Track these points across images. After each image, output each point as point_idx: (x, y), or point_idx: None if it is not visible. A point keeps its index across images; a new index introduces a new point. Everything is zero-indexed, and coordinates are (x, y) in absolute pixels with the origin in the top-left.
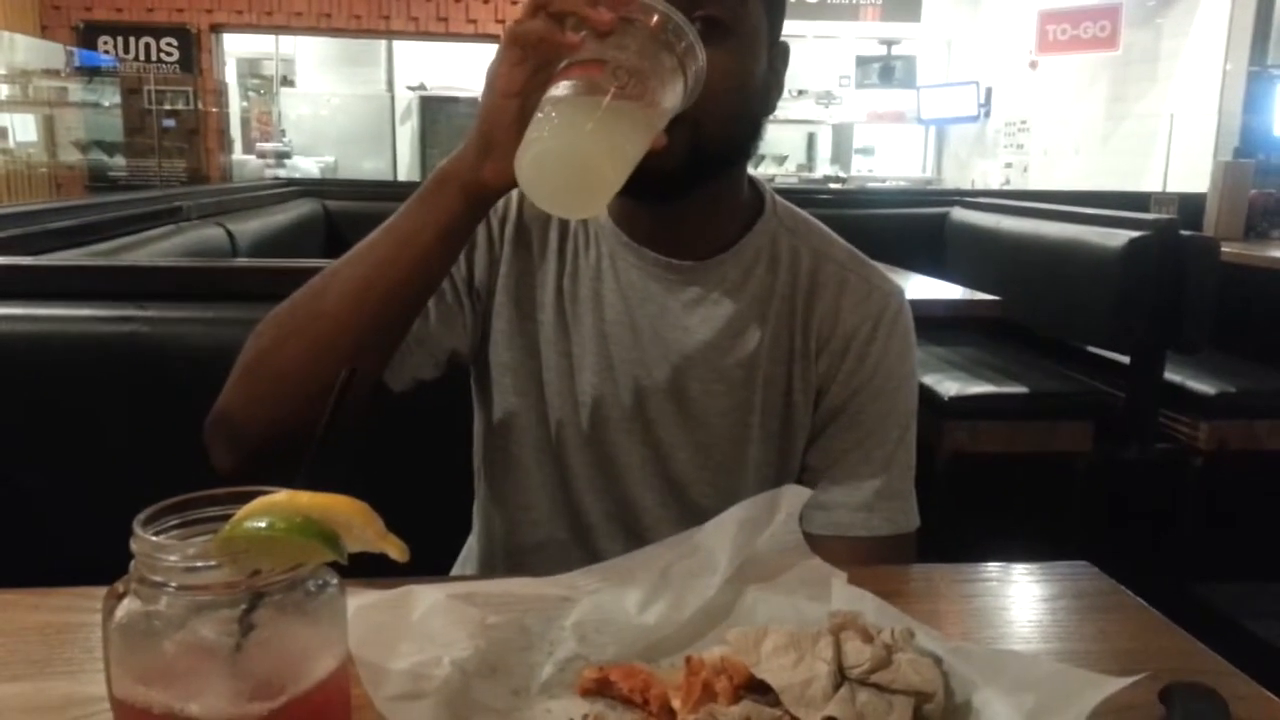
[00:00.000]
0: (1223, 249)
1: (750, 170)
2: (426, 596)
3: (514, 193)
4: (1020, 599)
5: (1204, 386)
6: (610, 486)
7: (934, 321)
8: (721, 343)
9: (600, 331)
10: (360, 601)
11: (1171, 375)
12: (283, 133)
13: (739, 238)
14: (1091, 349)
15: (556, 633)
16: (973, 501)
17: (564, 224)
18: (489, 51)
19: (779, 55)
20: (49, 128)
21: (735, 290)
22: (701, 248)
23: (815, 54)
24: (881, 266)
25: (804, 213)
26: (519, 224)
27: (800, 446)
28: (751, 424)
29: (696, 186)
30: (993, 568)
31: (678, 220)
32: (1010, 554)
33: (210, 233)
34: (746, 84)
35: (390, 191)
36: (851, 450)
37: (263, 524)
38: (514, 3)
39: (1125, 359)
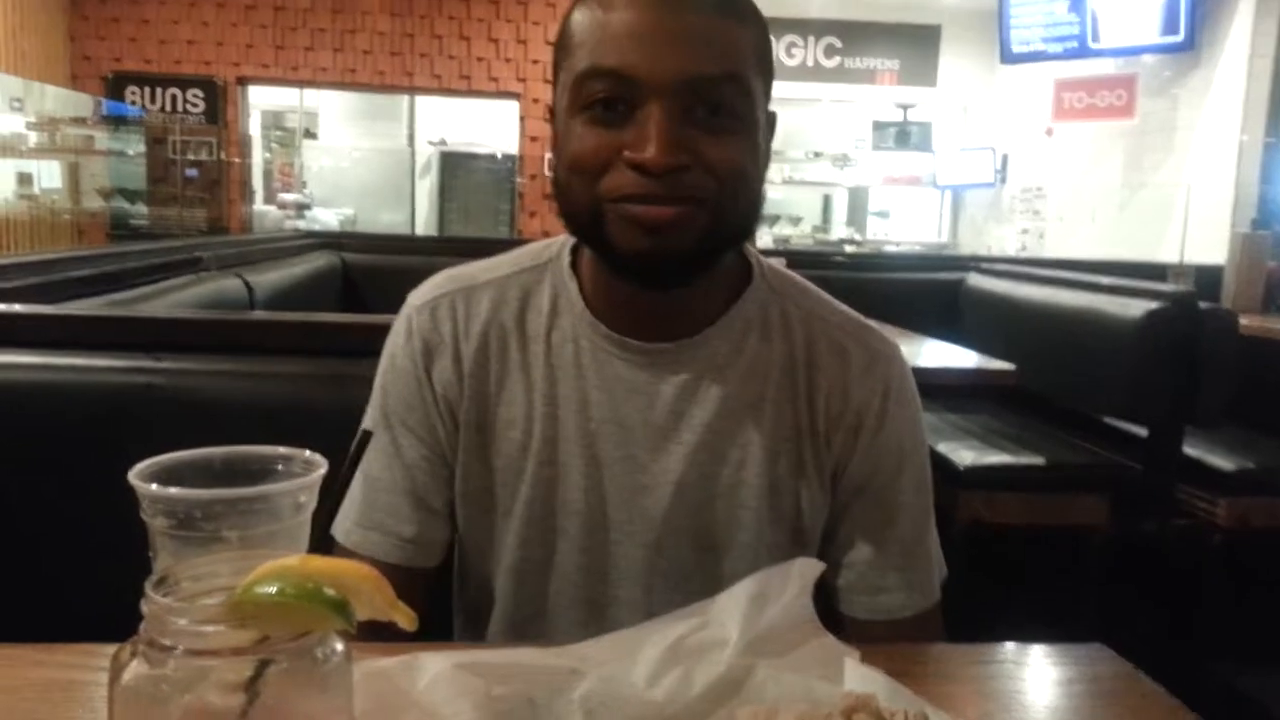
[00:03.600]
0: (1241, 321)
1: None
2: (432, 665)
3: (477, 312)
4: (1036, 682)
5: (1223, 461)
6: (601, 591)
7: (949, 389)
8: (719, 425)
9: (586, 432)
10: (366, 669)
11: (1190, 449)
12: (304, 184)
13: (726, 308)
14: (1108, 420)
15: (563, 706)
16: (988, 573)
17: (533, 331)
18: (510, 109)
19: (770, 126)
20: (74, 175)
21: (727, 366)
22: (690, 326)
23: (832, 117)
24: (878, 324)
25: (792, 274)
26: (480, 341)
27: (814, 525)
28: (761, 506)
29: (707, 270)
30: (1008, 648)
31: (665, 303)
32: (1026, 628)
33: (229, 284)
34: (756, 166)
35: (407, 245)
36: (884, 527)
37: (273, 590)
38: (535, 62)
39: (1143, 431)
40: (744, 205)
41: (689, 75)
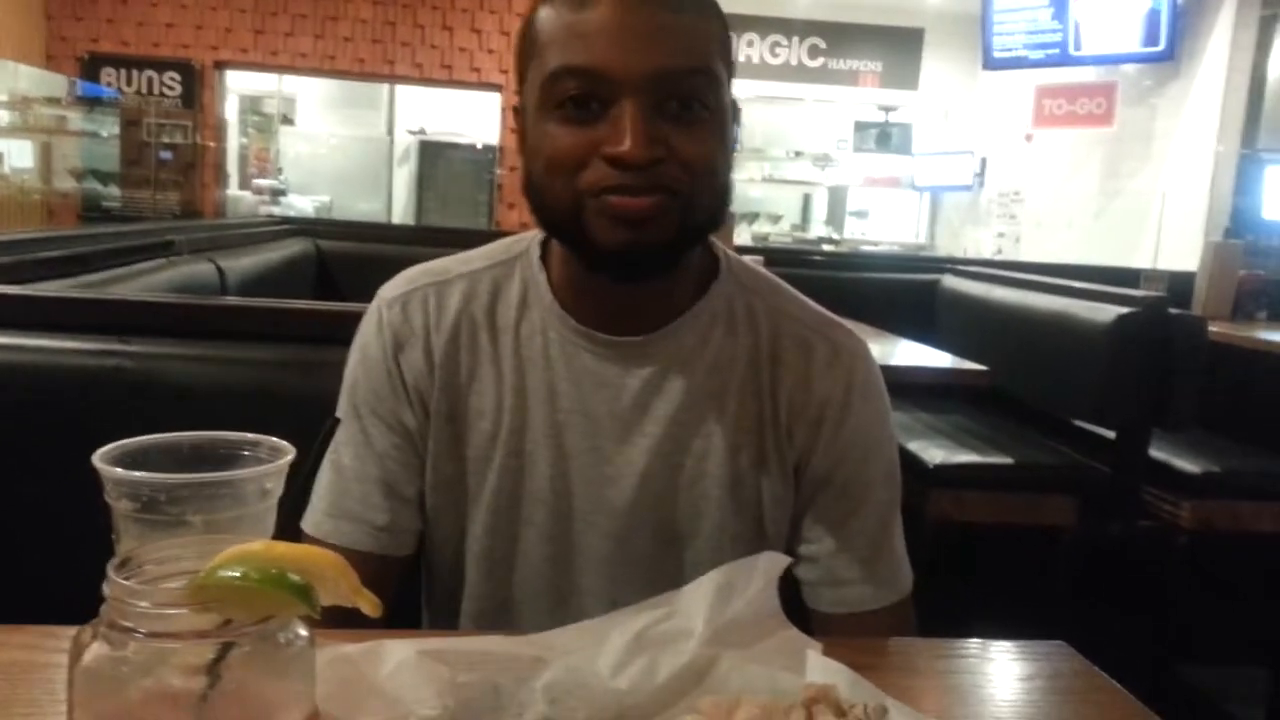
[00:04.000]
0: (1210, 328)
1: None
2: (397, 652)
3: (448, 305)
4: (997, 678)
5: (1189, 465)
6: (567, 580)
7: (921, 388)
8: (684, 417)
9: (554, 423)
10: (329, 654)
11: (1157, 453)
12: (280, 170)
13: (693, 302)
14: (1078, 423)
15: (527, 694)
16: (955, 570)
17: (503, 323)
18: (492, 100)
19: (735, 115)
20: (46, 155)
21: (692, 359)
22: (657, 320)
23: (814, 117)
24: (854, 323)
25: (760, 269)
26: (452, 333)
27: (778, 517)
28: (723, 498)
29: (679, 261)
30: (970, 644)
31: (634, 296)
32: (991, 625)
33: (201, 268)
34: (725, 156)
35: (384, 234)
36: (846, 520)
37: (237, 574)
38: None
39: (1111, 434)
40: (714, 196)
41: (660, 70)
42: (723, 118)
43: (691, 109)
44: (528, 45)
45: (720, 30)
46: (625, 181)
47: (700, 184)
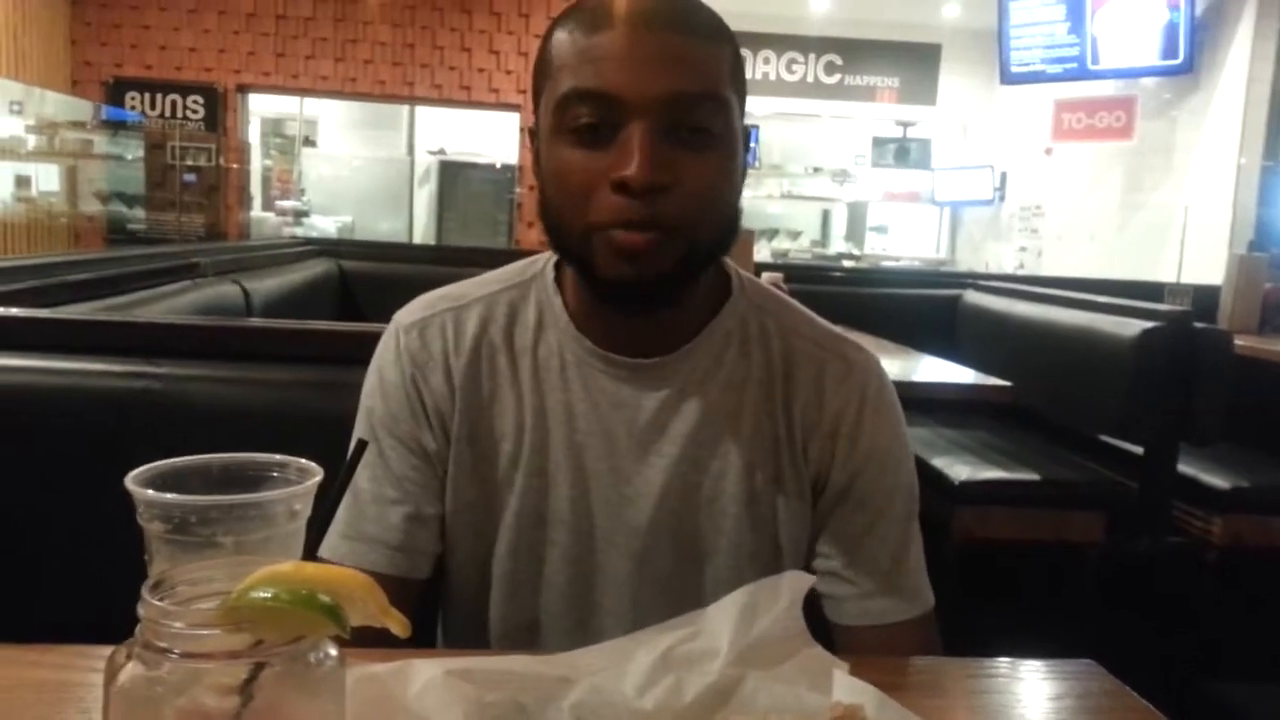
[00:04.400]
0: (1237, 342)
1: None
2: (425, 671)
3: (466, 329)
4: (1025, 697)
5: (1218, 480)
6: (588, 601)
7: (945, 404)
8: (700, 436)
9: (573, 443)
10: (359, 674)
11: (1185, 468)
12: (302, 191)
13: (707, 322)
14: (1104, 438)
15: (554, 713)
16: (982, 588)
17: (520, 345)
18: (510, 120)
19: (746, 140)
20: (72, 179)
21: (707, 379)
22: (671, 340)
23: (832, 133)
24: (875, 340)
25: (771, 288)
26: (472, 356)
27: (796, 535)
28: (740, 515)
29: (686, 289)
30: (998, 663)
31: (645, 320)
32: (1019, 643)
33: (226, 290)
34: (733, 184)
35: (405, 254)
36: (864, 534)
37: (268, 595)
38: None
39: (1138, 450)
40: (718, 226)
41: (671, 94)
42: (732, 143)
43: (701, 135)
44: (542, 67)
45: (732, 56)
46: (629, 215)
47: (704, 216)
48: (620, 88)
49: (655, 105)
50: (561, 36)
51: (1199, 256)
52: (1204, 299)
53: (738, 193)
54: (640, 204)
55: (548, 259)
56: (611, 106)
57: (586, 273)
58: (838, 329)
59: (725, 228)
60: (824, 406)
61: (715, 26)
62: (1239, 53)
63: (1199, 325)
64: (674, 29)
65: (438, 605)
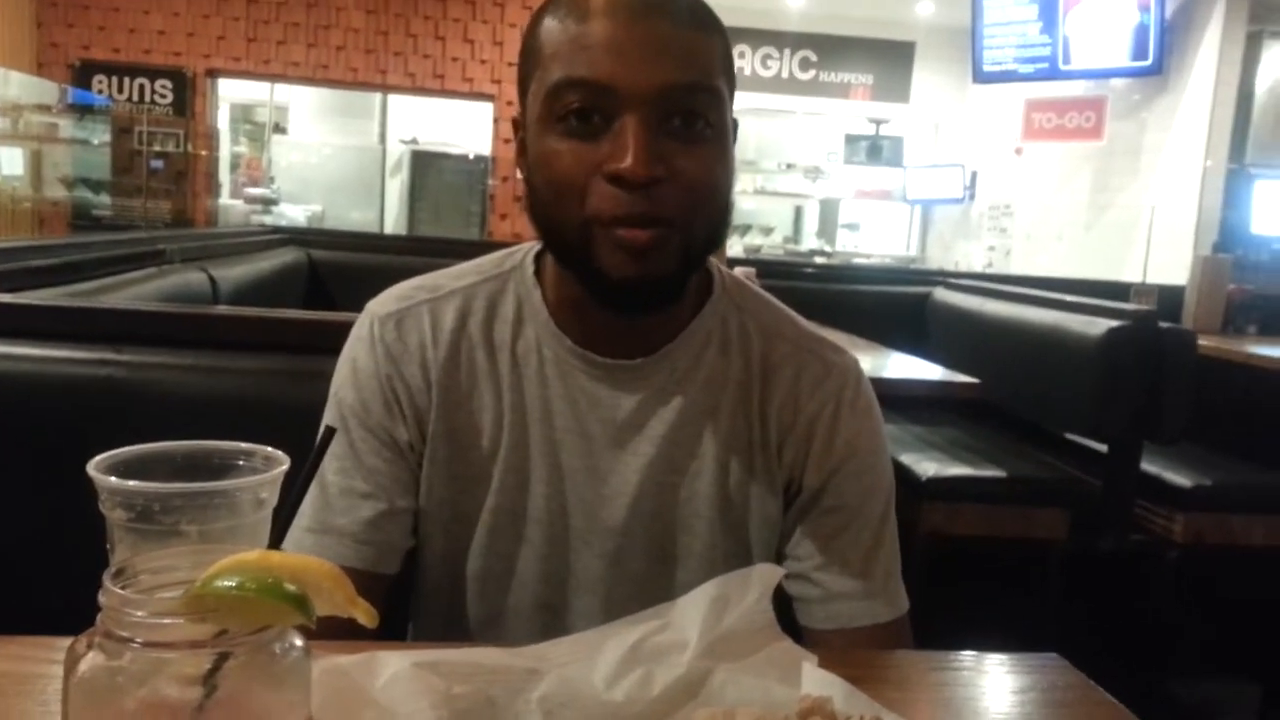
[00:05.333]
0: (1200, 342)
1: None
2: (392, 663)
3: (444, 322)
4: (990, 690)
5: (1180, 479)
6: (560, 599)
7: (913, 401)
8: (676, 437)
9: (550, 441)
10: (324, 665)
11: (1148, 466)
12: (272, 179)
13: (688, 322)
14: (1069, 436)
15: (522, 706)
16: (948, 583)
17: (499, 340)
18: (484, 110)
19: (734, 132)
20: (36, 163)
21: (686, 379)
22: (652, 340)
23: (805, 130)
24: (845, 336)
25: (753, 287)
26: (450, 351)
27: (768, 537)
28: (714, 517)
29: (684, 289)
30: (964, 656)
31: (632, 319)
32: (984, 638)
33: (192, 277)
34: (726, 174)
35: (376, 244)
36: (838, 535)
37: (233, 583)
38: (510, 64)
39: (1103, 448)
40: (715, 218)
41: (665, 84)
42: (725, 135)
43: (694, 126)
44: (530, 55)
45: (724, 47)
46: (628, 208)
47: (701, 208)
48: (614, 77)
49: (650, 96)
50: (551, 24)
51: (1164, 257)
52: (1169, 299)
53: (730, 185)
54: (637, 197)
55: (527, 251)
56: (604, 96)
57: (587, 270)
58: (818, 330)
59: (720, 220)
60: (799, 409)
61: (707, 16)
62: (1207, 55)
63: (1164, 325)
64: (668, 17)
65: (408, 600)
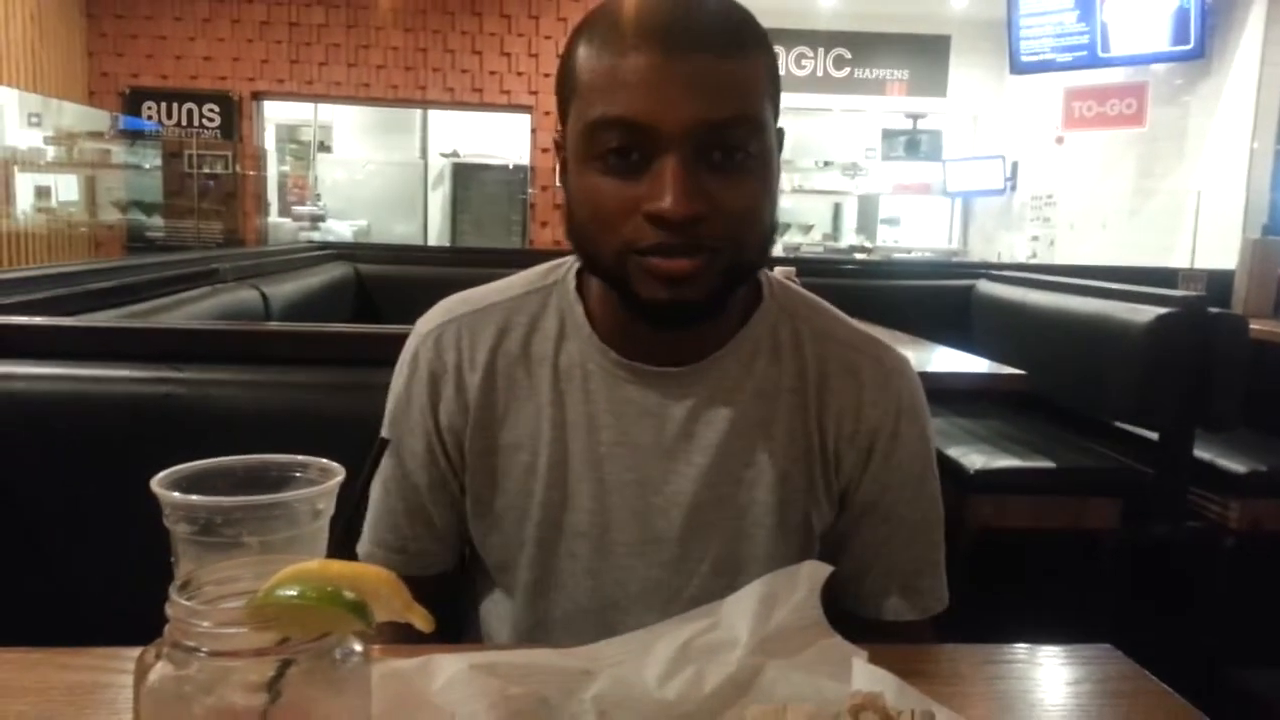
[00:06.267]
0: (1252, 326)
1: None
2: (448, 666)
3: (481, 339)
4: (1044, 682)
5: (1235, 465)
6: (613, 612)
7: (959, 394)
8: (731, 446)
9: (594, 455)
10: (383, 669)
11: (1201, 453)
12: (318, 196)
13: (737, 330)
14: (1119, 425)
15: (577, 706)
16: (998, 576)
17: (539, 355)
18: (522, 121)
19: (780, 142)
20: (91, 188)
21: (736, 388)
22: (700, 349)
23: (842, 126)
24: (889, 332)
25: (802, 291)
26: (487, 370)
27: (822, 539)
28: (773, 526)
29: (723, 308)
30: (1016, 649)
31: (676, 333)
32: (1036, 632)
33: (245, 295)
34: (771, 199)
35: (420, 256)
36: (889, 540)
37: (294, 593)
38: (547, 75)
39: (1154, 435)
40: (757, 242)
41: (703, 121)
42: (767, 158)
43: (734, 158)
44: (567, 81)
45: (768, 63)
46: (666, 240)
47: (744, 237)
48: (652, 117)
49: (689, 133)
50: (587, 52)
51: (1212, 242)
52: (1218, 284)
53: (774, 206)
54: (676, 232)
55: (570, 265)
56: (643, 135)
57: (624, 295)
58: (868, 330)
59: (763, 243)
60: (861, 418)
61: (749, 33)
62: (1251, 37)
63: (1213, 310)
64: (707, 48)
65: (463, 601)
